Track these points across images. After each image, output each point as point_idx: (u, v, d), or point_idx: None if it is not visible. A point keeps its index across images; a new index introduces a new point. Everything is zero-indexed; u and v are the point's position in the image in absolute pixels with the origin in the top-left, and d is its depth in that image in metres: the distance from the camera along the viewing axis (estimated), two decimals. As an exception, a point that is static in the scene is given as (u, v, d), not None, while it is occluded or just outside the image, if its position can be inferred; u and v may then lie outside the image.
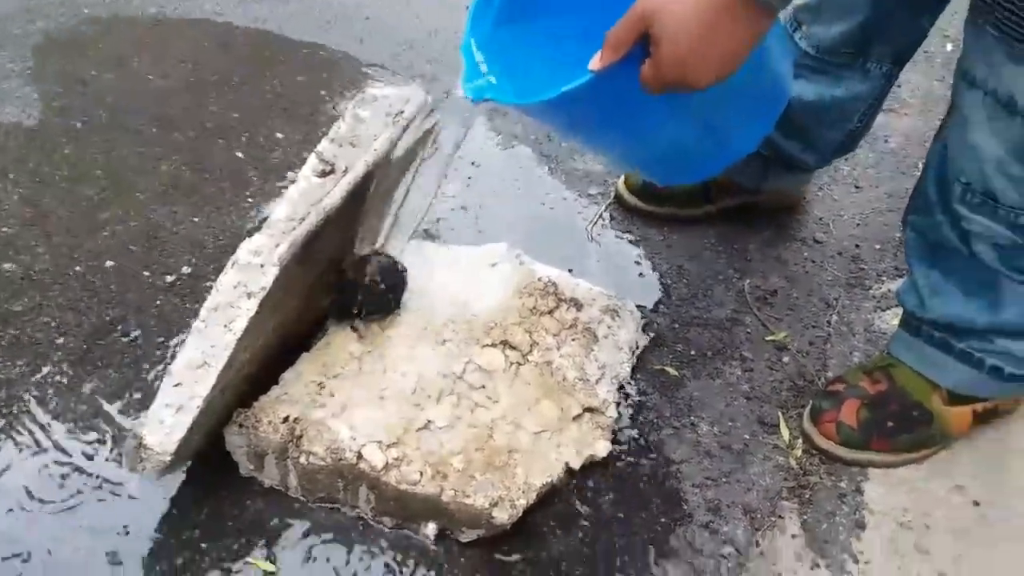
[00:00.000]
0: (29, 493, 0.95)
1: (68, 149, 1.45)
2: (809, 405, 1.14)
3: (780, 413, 1.16)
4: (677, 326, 1.29)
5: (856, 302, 1.37)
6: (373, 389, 1.01)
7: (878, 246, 1.50)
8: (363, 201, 1.05)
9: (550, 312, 1.15)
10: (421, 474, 0.93)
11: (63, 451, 1.00)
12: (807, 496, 1.06)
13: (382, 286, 1.07)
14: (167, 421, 0.83)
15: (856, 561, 0.99)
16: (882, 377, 1.11)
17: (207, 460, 0.98)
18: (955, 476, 1.10)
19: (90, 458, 0.99)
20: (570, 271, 1.29)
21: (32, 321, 1.15)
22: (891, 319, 1.32)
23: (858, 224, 1.54)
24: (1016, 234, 0.96)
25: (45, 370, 1.09)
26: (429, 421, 0.99)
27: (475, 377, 1.05)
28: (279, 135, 1.56)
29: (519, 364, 1.08)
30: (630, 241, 1.44)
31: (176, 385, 0.84)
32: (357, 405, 0.99)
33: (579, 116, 0.94)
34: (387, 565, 0.93)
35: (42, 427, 1.02)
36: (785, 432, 1.14)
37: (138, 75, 1.65)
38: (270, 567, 0.90)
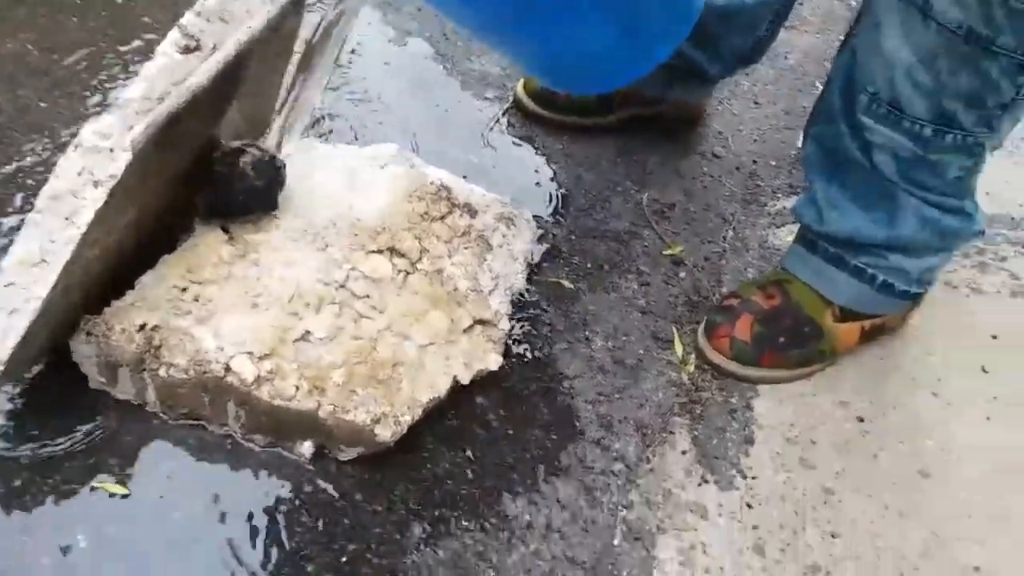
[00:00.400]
0: None
1: None
2: (704, 320, 1.12)
3: (675, 328, 1.14)
4: (573, 238, 1.24)
5: (751, 218, 1.35)
6: (244, 296, 0.92)
7: (774, 162, 1.49)
8: (235, 86, 0.93)
9: (442, 218, 1.07)
10: (297, 388, 0.85)
11: None
12: (698, 412, 1.05)
13: (256, 182, 0.97)
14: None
15: (744, 476, 0.99)
16: (776, 292, 1.10)
17: (51, 371, 0.87)
18: (840, 392, 1.11)
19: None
20: (464, 177, 1.21)
21: None
22: (785, 236, 1.31)
23: (755, 140, 1.53)
24: (918, 146, 0.94)
25: None
26: (307, 332, 0.90)
27: (359, 285, 0.97)
28: (145, 19, 1.39)
29: (407, 272, 1.01)
30: (527, 148, 1.37)
31: (8, 285, 0.72)
32: (226, 312, 0.89)
33: (495, 7, 0.86)
34: (257, 486, 0.86)
35: None
36: (679, 347, 1.11)
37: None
38: (121, 490, 0.81)
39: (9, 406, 0.85)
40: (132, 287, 0.89)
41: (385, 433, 0.86)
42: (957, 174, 0.98)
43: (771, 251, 1.29)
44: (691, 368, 1.09)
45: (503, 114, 1.41)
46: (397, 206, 1.07)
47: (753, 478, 0.99)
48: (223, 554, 0.79)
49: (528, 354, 1.06)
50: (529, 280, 1.13)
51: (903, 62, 0.90)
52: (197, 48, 0.85)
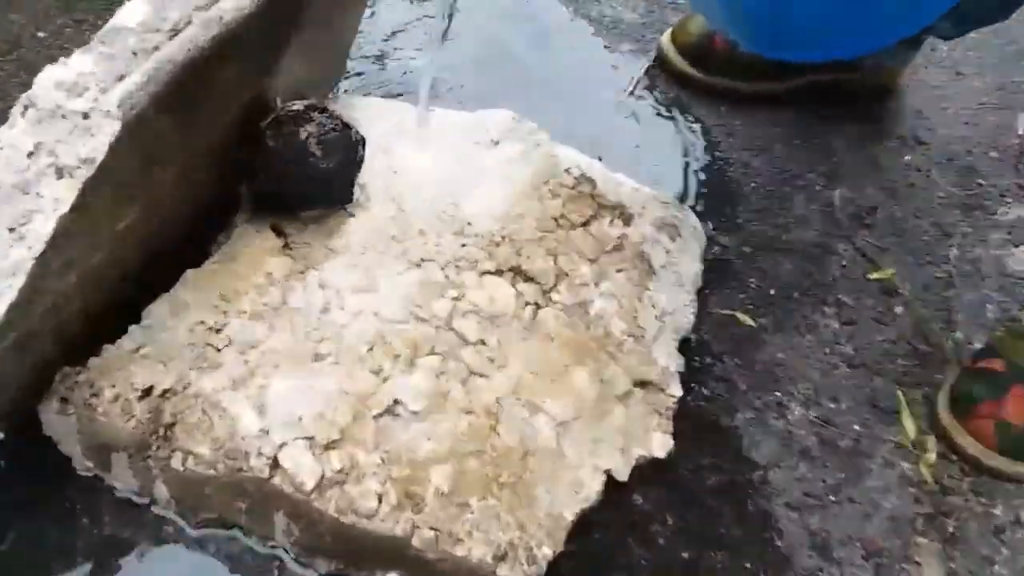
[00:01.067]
0: None
1: None
2: (946, 387, 0.78)
3: (899, 393, 0.80)
4: (747, 250, 0.90)
5: (979, 231, 1.00)
6: (303, 340, 0.61)
7: (995, 154, 1.12)
8: (295, 15, 0.62)
9: (584, 224, 0.75)
10: (380, 498, 0.54)
11: None
12: (950, 528, 0.72)
13: (324, 163, 0.66)
14: None
15: (1031, 635, 0.66)
16: None
17: (16, 445, 0.58)
18: None
19: None
20: (599, 159, 0.88)
21: None
22: (1033, 259, 0.96)
23: (965, 122, 1.16)
24: None
25: None
26: (395, 401, 0.59)
27: (470, 325, 0.65)
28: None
29: (538, 306, 0.69)
30: (676, 122, 1.04)
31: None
32: (275, 368, 0.58)
33: None
34: (315, 639, 0.56)
35: None
36: (909, 426, 0.78)
37: None
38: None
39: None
40: (137, 320, 0.59)
41: (513, 575, 0.55)
42: None
43: (1014, 280, 0.94)
44: (932, 457, 0.76)
45: (644, 74, 1.07)
46: (522, 204, 0.74)
47: (1041, 639, 0.66)
48: None
49: (701, 430, 0.73)
50: (697, 315, 0.80)
51: None
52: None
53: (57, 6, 0.99)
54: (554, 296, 0.70)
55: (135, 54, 0.44)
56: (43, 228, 0.43)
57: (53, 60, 0.45)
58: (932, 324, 0.87)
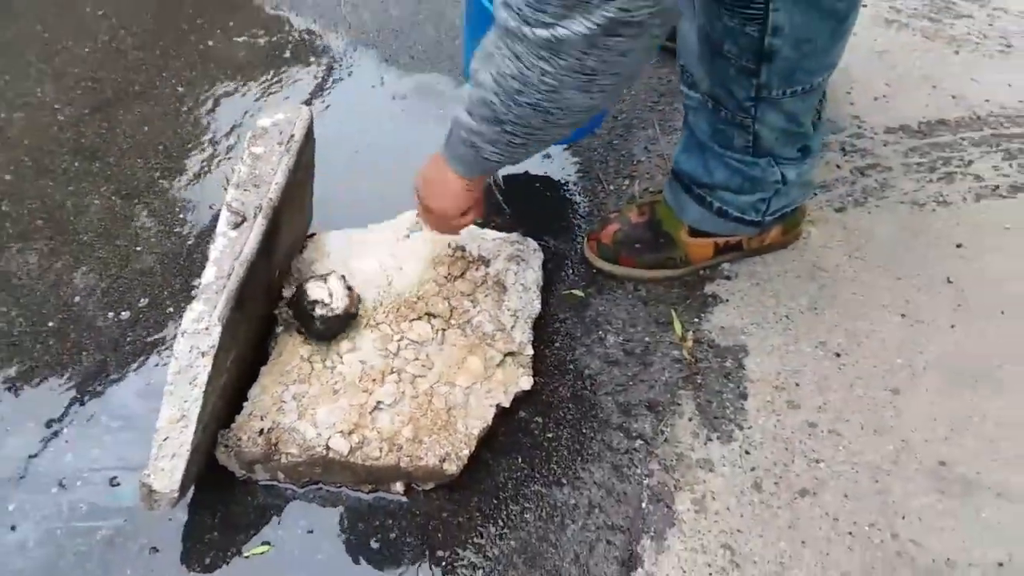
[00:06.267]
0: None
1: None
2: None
3: (672, 311, 1.37)
4: (579, 244, 1.47)
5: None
6: (327, 385, 1.21)
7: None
8: (279, 228, 1.21)
9: (462, 275, 1.33)
10: (380, 450, 1.15)
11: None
12: (699, 381, 1.29)
13: (338, 312, 1.23)
14: (166, 467, 1.04)
15: (741, 428, 1.23)
16: (647, 210, 1.41)
17: (209, 472, 1.20)
18: (818, 334, 1.32)
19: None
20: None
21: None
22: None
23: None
24: (711, 115, 1.20)
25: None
26: (379, 402, 1.19)
27: (409, 351, 1.25)
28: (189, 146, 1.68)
29: (444, 329, 1.28)
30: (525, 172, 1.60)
31: (165, 439, 1.04)
32: (316, 403, 1.19)
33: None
34: (369, 520, 1.17)
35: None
36: (678, 327, 1.35)
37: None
38: (263, 549, 1.13)
39: (190, 501, 1.19)
40: (246, 399, 1.20)
41: (452, 467, 1.15)
42: (743, 143, 1.21)
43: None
44: (690, 343, 1.33)
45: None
46: (425, 274, 1.33)
47: (749, 428, 1.23)
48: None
49: (554, 366, 1.32)
50: (547, 299, 1.38)
51: (693, 46, 1.16)
52: (243, 220, 1.13)
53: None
54: (451, 321, 1.28)
55: (217, 293, 1.05)
56: (202, 379, 1.04)
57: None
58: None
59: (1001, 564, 1.10)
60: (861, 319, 1.33)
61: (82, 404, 1.28)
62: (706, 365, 1.30)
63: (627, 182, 1.56)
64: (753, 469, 1.19)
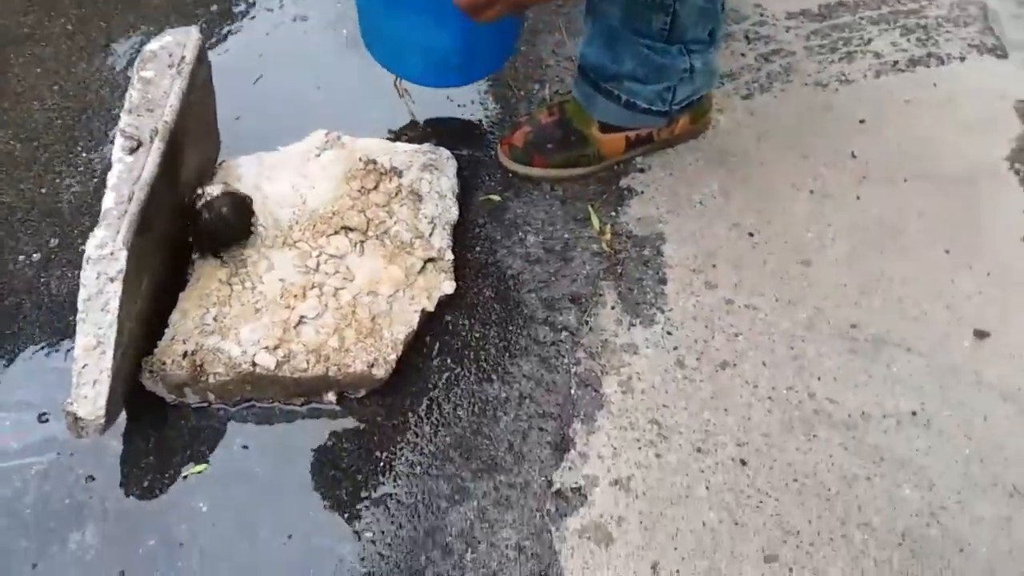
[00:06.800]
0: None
1: None
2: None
3: (589, 207, 1.39)
4: (493, 151, 1.47)
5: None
6: (248, 304, 1.20)
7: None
8: (179, 156, 1.18)
9: (375, 187, 1.32)
10: (307, 362, 1.15)
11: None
12: (619, 271, 1.31)
13: (234, 223, 1.22)
14: (88, 395, 1.03)
15: (662, 311, 1.26)
16: (556, 110, 1.41)
17: (139, 400, 1.19)
18: (731, 216, 1.35)
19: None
20: (389, 133, 1.45)
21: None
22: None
23: None
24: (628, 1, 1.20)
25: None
26: (302, 317, 1.19)
27: (329, 266, 1.24)
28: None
29: (362, 241, 1.27)
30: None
31: (84, 367, 1.03)
32: (239, 322, 1.18)
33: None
34: (306, 432, 1.18)
35: None
36: (596, 221, 1.37)
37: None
38: (200, 468, 1.14)
39: (123, 431, 1.18)
40: (167, 325, 1.19)
41: (380, 372, 1.16)
42: (660, 26, 1.22)
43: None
44: (608, 236, 1.35)
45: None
46: (338, 189, 1.32)
47: (669, 310, 1.26)
48: (300, 487, 1.12)
49: (477, 267, 1.33)
50: (462, 205, 1.38)
51: None
52: (139, 144, 1.10)
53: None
54: (369, 233, 1.28)
55: (119, 218, 1.02)
56: (114, 304, 1.02)
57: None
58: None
59: (915, 413, 1.15)
60: (771, 198, 1.37)
61: (1, 347, 1.25)
62: (625, 255, 1.33)
63: (537, 86, 1.56)
64: (675, 348, 1.22)
